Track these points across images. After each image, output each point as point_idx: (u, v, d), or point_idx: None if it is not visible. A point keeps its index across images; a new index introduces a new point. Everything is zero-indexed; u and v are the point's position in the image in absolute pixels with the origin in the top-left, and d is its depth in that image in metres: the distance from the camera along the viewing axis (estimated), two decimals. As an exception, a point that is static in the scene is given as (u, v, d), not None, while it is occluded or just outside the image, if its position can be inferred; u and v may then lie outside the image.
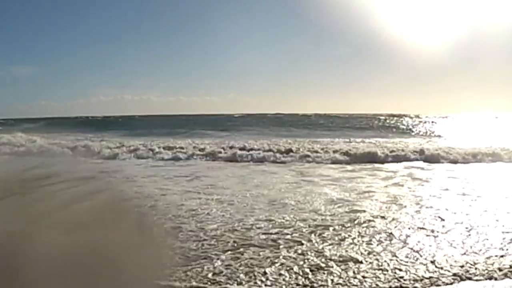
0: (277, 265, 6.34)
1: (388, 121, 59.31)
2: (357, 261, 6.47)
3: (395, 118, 63.88)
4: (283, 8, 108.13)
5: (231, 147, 21.55)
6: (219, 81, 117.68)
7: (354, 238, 7.56)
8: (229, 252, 6.86)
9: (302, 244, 7.25)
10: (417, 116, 69.88)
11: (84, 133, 35.86)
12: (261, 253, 6.82)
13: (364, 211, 9.44)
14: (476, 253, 6.79)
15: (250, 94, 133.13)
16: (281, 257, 6.65)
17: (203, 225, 8.42)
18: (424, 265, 6.32)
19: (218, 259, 6.55)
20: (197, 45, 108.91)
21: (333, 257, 6.61)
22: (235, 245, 7.21)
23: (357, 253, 6.82)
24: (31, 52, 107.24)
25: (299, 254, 6.79)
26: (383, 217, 8.92)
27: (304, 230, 8.05)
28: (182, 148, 21.79)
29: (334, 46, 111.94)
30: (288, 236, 7.68)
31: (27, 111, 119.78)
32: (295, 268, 6.21)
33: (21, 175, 2.63)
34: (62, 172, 2.80)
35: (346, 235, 7.69)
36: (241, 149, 21.03)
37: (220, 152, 20.44)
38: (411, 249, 6.99)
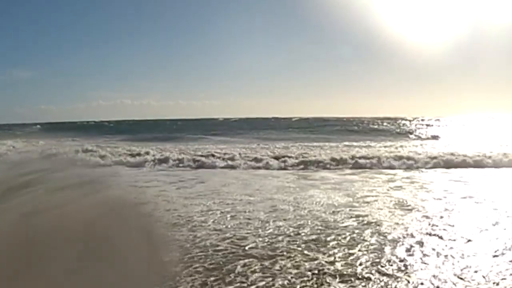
0: (267, 282, 5.73)
1: (386, 124, 58.94)
2: (362, 278, 5.86)
3: (393, 121, 63.56)
4: (283, 8, 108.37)
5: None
6: (219, 83, 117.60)
7: (358, 248, 7.05)
8: (215, 266, 6.27)
9: (300, 256, 6.72)
10: (416, 119, 69.66)
11: (82, 138, 35.51)
12: (252, 267, 6.24)
13: (367, 215, 9.05)
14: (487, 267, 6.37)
15: (250, 96, 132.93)
16: (271, 272, 6.06)
17: (195, 234, 7.95)
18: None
19: (198, 276, 5.87)
20: (196, 47, 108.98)
21: (334, 273, 6.03)
22: (227, 257, 6.66)
23: (360, 266, 6.31)
24: (31, 56, 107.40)
25: (295, 267, 6.22)
26: (388, 223, 8.49)
27: (303, 238, 7.58)
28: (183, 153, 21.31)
29: (334, 46, 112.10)
30: (286, 246, 7.17)
31: (27, 115, 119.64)
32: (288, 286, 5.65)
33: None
34: (44, 179, 2.51)
35: (349, 245, 7.20)
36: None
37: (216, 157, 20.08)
38: (424, 264, 6.54)
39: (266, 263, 6.39)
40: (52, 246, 1.92)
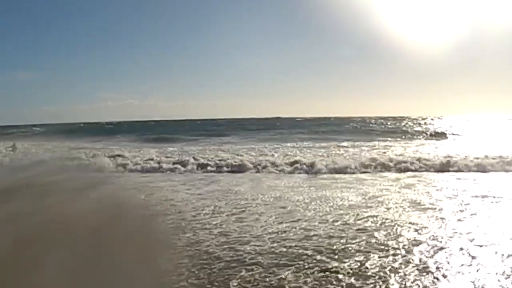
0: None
1: (389, 124, 58.18)
2: None
3: (398, 121, 63.11)
4: (286, 10, 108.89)
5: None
6: (225, 84, 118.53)
7: (374, 253, 6.49)
8: (206, 279, 5.57)
9: (308, 263, 6.09)
10: (420, 118, 69.23)
11: (85, 140, 35.31)
12: (249, 279, 5.56)
13: (381, 216, 8.56)
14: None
15: (254, 97, 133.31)
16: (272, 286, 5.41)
17: (196, 238, 7.44)
18: None
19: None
20: (202, 48, 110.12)
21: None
22: (226, 266, 6.01)
23: (377, 276, 5.71)
24: (35, 57, 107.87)
25: (298, 279, 5.55)
26: (404, 225, 7.97)
27: (313, 243, 7.00)
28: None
29: (336, 47, 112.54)
30: (293, 252, 6.56)
31: (31, 116, 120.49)
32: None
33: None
34: (43, 182, 2.46)
35: (364, 251, 6.63)
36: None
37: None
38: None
39: (269, 274, 5.75)
40: (46, 247, 1.94)
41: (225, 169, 17.12)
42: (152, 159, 19.64)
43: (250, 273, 5.79)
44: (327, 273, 5.75)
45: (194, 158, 19.22)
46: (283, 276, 5.65)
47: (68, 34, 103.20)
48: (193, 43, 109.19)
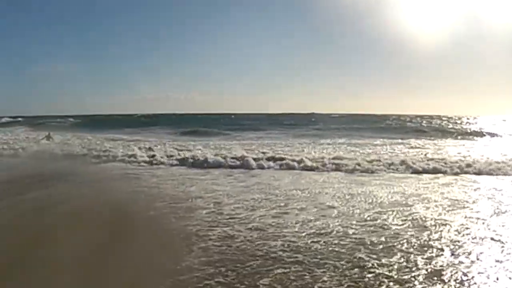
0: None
1: (424, 123, 56.75)
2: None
3: (433, 120, 61.68)
4: (304, 9, 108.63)
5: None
6: (263, 79, 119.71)
7: (416, 253, 6.34)
8: (235, 277, 5.41)
9: (345, 262, 5.94)
10: (457, 118, 67.65)
11: (122, 132, 35.81)
12: (282, 278, 5.42)
13: (420, 214, 8.37)
14: None
15: (288, 92, 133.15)
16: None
17: (229, 231, 7.38)
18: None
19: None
20: (240, 44, 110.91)
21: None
22: (258, 264, 5.85)
23: (418, 278, 5.59)
24: (75, 49, 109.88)
25: (337, 279, 5.40)
26: (444, 225, 7.76)
27: (351, 241, 6.88)
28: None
29: (355, 48, 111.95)
30: (330, 250, 6.43)
31: (68, 108, 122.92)
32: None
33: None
34: (76, 173, 2.46)
35: (405, 250, 6.49)
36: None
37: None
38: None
39: (304, 272, 5.61)
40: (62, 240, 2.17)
41: (263, 164, 16.83)
42: (189, 152, 19.79)
43: (285, 270, 5.68)
44: (365, 272, 5.62)
45: (231, 152, 19.29)
46: (319, 275, 5.55)
47: (108, 27, 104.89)
48: (230, 38, 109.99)
